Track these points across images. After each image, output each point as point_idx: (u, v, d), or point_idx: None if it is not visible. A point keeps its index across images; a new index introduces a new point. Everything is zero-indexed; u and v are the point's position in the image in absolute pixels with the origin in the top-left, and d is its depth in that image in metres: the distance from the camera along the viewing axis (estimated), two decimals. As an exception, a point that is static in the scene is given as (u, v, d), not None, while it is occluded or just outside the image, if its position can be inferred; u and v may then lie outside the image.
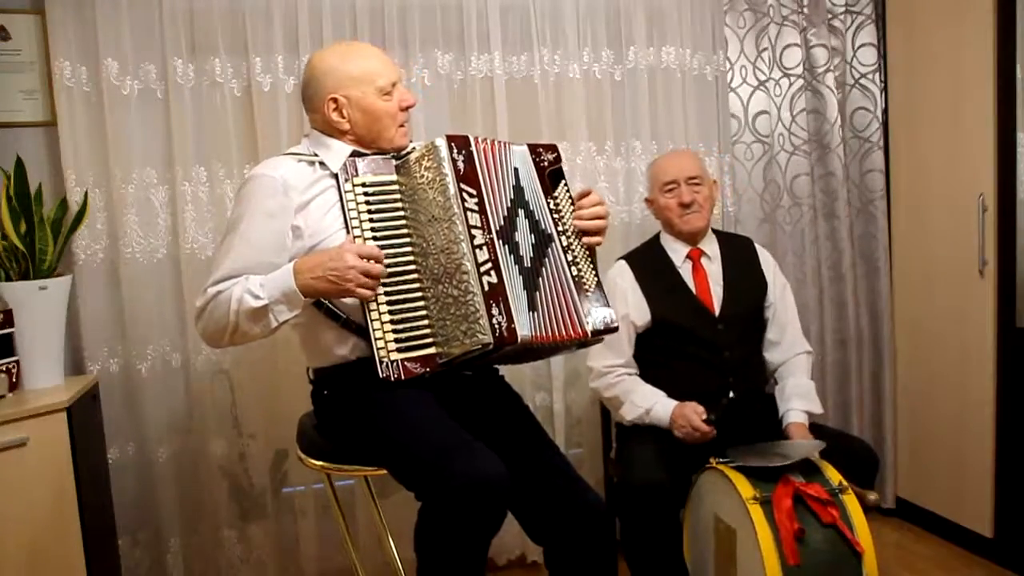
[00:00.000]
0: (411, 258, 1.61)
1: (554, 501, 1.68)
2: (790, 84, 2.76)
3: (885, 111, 2.77)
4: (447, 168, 1.56)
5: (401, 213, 1.63)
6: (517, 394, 1.88)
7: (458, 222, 1.54)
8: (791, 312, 2.30)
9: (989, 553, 2.43)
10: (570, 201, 1.71)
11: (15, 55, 2.20)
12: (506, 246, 1.59)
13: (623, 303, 2.20)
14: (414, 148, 1.68)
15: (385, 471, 1.64)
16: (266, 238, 1.61)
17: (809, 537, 1.77)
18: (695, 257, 2.25)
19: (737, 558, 1.86)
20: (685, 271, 2.24)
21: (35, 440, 1.86)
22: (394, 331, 1.57)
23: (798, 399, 2.14)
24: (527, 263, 1.61)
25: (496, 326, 1.50)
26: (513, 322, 1.51)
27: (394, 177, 1.65)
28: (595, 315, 1.64)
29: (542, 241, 1.65)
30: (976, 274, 2.40)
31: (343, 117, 1.68)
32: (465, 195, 1.56)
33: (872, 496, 1.85)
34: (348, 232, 1.60)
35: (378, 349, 1.55)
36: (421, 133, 2.38)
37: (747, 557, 1.82)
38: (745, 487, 1.83)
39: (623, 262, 2.29)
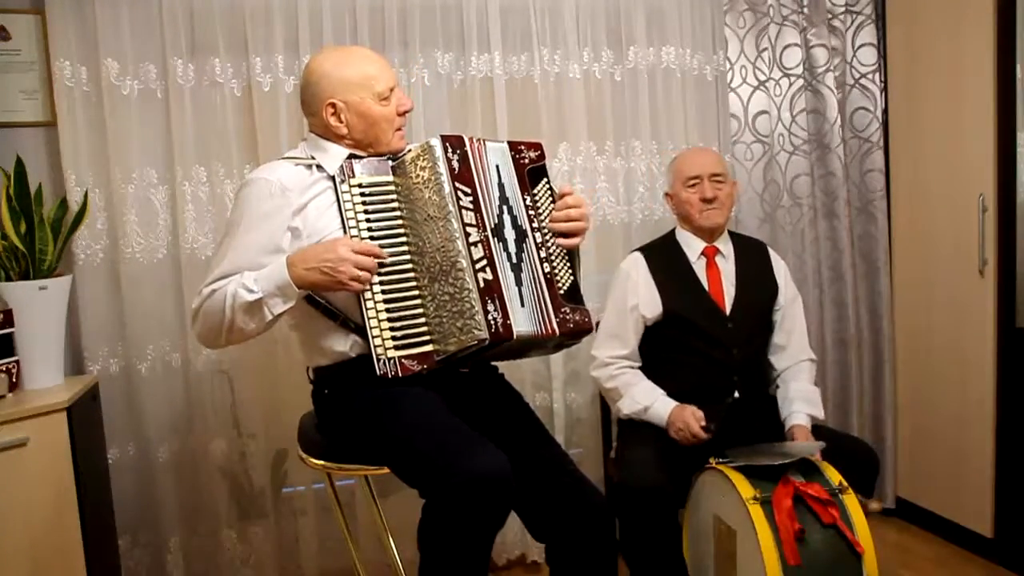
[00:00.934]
0: (407, 257, 1.63)
1: (556, 498, 1.69)
2: (790, 84, 2.76)
3: (885, 111, 2.77)
4: (442, 167, 1.58)
5: (397, 213, 1.65)
6: (518, 392, 1.88)
7: (453, 220, 1.56)
8: (799, 320, 2.31)
9: (989, 553, 2.43)
10: (550, 199, 1.72)
11: (15, 55, 2.20)
12: (500, 243, 1.60)
13: (634, 294, 2.21)
14: (410, 149, 1.69)
15: (386, 470, 1.65)
16: (261, 240, 1.62)
17: (809, 537, 1.77)
18: (710, 254, 2.26)
19: (737, 558, 1.86)
20: (699, 267, 2.24)
21: (35, 440, 1.86)
22: (391, 329, 1.58)
23: (801, 403, 2.14)
24: (515, 259, 1.62)
25: (492, 322, 1.52)
26: (508, 318, 1.53)
27: (390, 178, 1.67)
28: (566, 315, 1.63)
29: (519, 236, 1.65)
30: (976, 274, 2.40)
31: (341, 122, 1.69)
32: (460, 194, 1.58)
33: (874, 504, 1.85)
34: (345, 232, 1.62)
35: (375, 347, 1.56)
36: (421, 133, 2.38)
37: (747, 557, 1.82)
38: (745, 487, 1.83)
39: (638, 254, 2.30)
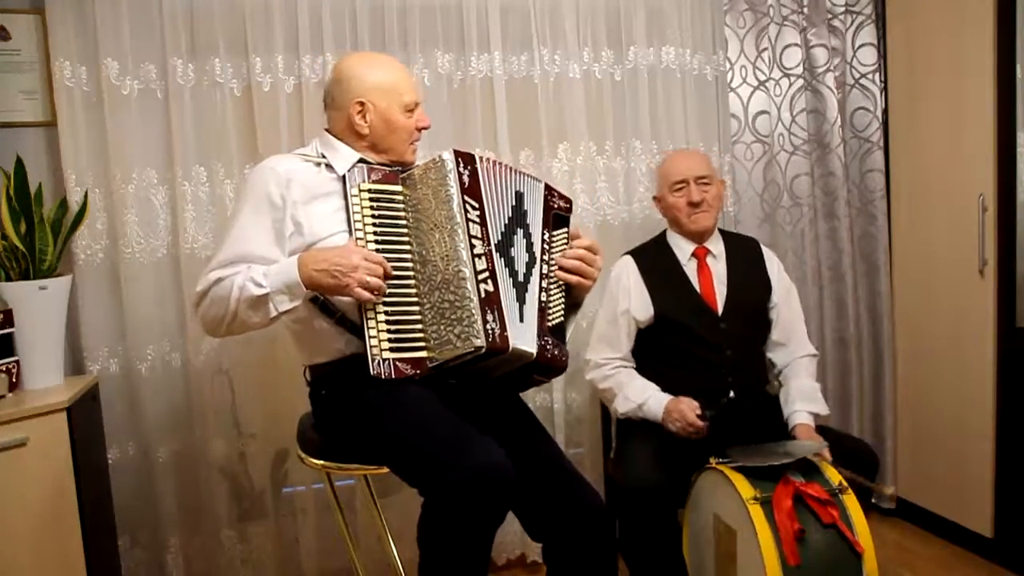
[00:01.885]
0: (410, 264, 1.64)
1: (554, 498, 1.69)
2: (790, 84, 2.76)
3: (885, 111, 2.77)
4: (452, 180, 1.61)
5: (403, 222, 1.67)
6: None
7: (460, 231, 1.59)
8: (796, 314, 2.31)
9: (989, 553, 2.43)
10: (565, 244, 1.80)
11: (15, 55, 2.20)
12: (502, 259, 1.65)
13: (626, 298, 2.21)
14: (418, 166, 1.71)
15: (386, 470, 1.65)
16: (264, 226, 1.65)
17: (809, 537, 1.77)
18: (701, 256, 2.26)
19: (737, 558, 1.86)
20: (690, 269, 2.24)
21: (35, 440, 1.86)
22: (388, 331, 1.59)
23: (803, 401, 2.14)
24: (520, 278, 1.68)
25: (490, 331, 1.54)
26: (506, 330, 1.56)
27: (399, 188, 1.69)
28: (546, 344, 1.66)
29: (531, 260, 1.71)
30: (976, 274, 2.40)
31: (365, 121, 1.75)
32: (468, 207, 1.61)
33: (889, 490, 1.86)
34: (351, 234, 1.62)
35: (371, 347, 1.57)
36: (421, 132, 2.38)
37: (747, 557, 1.82)
38: (745, 487, 1.83)
39: (628, 257, 2.30)
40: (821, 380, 2.71)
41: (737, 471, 1.88)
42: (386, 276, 1.59)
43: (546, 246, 1.75)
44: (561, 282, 1.75)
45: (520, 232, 1.72)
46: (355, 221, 1.63)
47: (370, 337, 1.57)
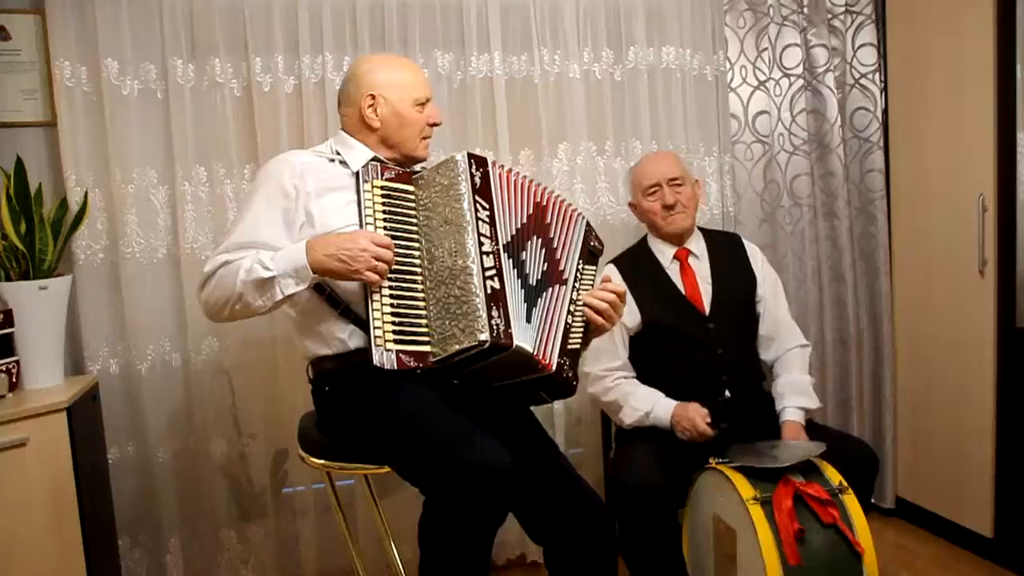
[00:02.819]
0: (418, 261, 1.65)
1: (555, 501, 1.69)
2: (790, 84, 2.76)
3: (885, 111, 2.77)
4: (464, 179, 1.64)
5: (413, 219, 1.69)
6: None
7: (469, 228, 1.61)
8: (782, 306, 2.30)
9: (989, 553, 2.43)
10: (592, 280, 1.84)
11: (15, 55, 2.20)
12: (511, 260, 1.66)
13: None
14: (430, 167, 1.73)
15: (386, 469, 1.65)
16: (276, 214, 1.67)
17: (809, 537, 1.77)
18: (682, 257, 2.26)
19: (737, 558, 1.86)
20: (673, 272, 2.24)
21: (35, 440, 1.86)
22: (393, 323, 1.59)
23: (792, 396, 2.14)
24: (532, 282, 1.68)
25: (494, 327, 1.54)
26: (511, 327, 1.56)
27: (411, 188, 1.72)
28: (564, 364, 1.67)
29: (557, 277, 1.73)
30: (976, 274, 2.40)
31: (376, 115, 1.78)
32: (479, 206, 1.64)
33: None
34: (362, 227, 1.64)
35: (375, 337, 1.57)
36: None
37: (747, 557, 1.82)
38: (745, 487, 1.83)
39: (611, 266, 2.29)
40: (821, 380, 2.72)
41: (737, 471, 1.88)
42: (392, 261, 1.59)
43: (579, 274, 1.78)
44: (583, 315, 1.75)
45: (538, 241, 1.73)
46: (366, 215, 1.64)
47: (374, 328, 1.57)
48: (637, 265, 2.27)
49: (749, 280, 2.27)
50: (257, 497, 2.42)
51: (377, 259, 1.56)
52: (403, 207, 1.69)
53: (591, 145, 2.57)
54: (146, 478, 2.30)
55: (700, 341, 2.16)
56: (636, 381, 2.20)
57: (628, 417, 2.15)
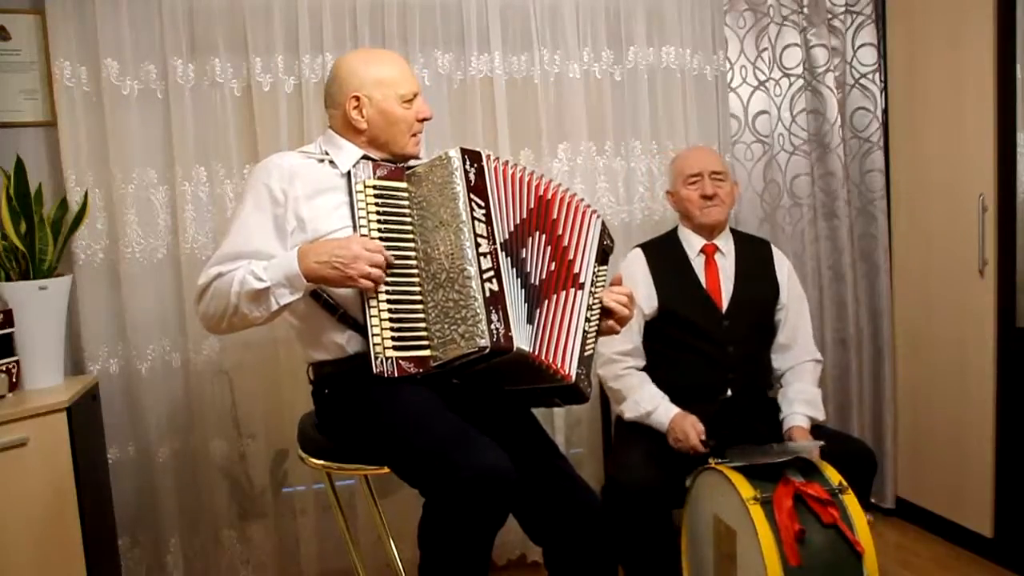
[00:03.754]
0: (414, 262, 1.62)
1: (555, 502, 1.69)
2: (790, 84, 2.76)
3: (885, 111, 2.77)
4: (459, 178, 1.60)
5: (408, 219, 1.65)
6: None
7: (465, 229, 1.57)
8: (804, 320, 2.31)
9: (989, 553, 2.43)
10: (604, 281, 1.81)
11: (15, 55, 2.20)
12: (509, 259, 1.62)
13: (633, 289, 2.20)
14: (424, 163, 1.70)
15: (386, 470, 1.65)
16: (266, 221, 1.65)
17: (810, 537, 1.77)
18: (709, 252, 2.27)
19: (737, 559, 1.86)
20: (698, 264, 2.25)
21: (35, 440, 1.86)
22: (392, 329, 1.57)
23: (802, 404, 2.14)
24: (535, 281, 1.65)
25: (494, 331, 1.52)
26: (510, 330, 1.54)
27: (404, 184, 1.67)
28: (581, 373, 1.67)
29: (572, 280, 1.70)
30: (976, 274, 2.40)
31: (362, 116, 1.74)
32: (474, 204, 1.60)
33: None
34: (355, 230, 1.62)
35: (374, 344, 1.56)
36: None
37: (747, 558, 1.82)
38: (745, 487, 1.83)
39: (638, 250, 2.32)
40: (821, 380, 2.71)
41: (737, 471, 1.88)
42: (387, 265, 1.57)
43: (595, 278, 1.74)
44: (598, 317, 1.74)
45: (542, 237, 1.69)
46: (359, 218, 1.61)
47: (373, 335, 1.56)
48: (663, 252, 2.29)
49: (771, 287, 2.28)
50: (257, 497, 2.42)
51: (372, 265, 1.55)
52: (397, 207, 1.65)
53: (591, 145, 2.57)
54: (146, 478, 2.30)
55: (712, 336, 2.16)
56: (646, 376, 2.20)
57: (629, 411, 2.15)
